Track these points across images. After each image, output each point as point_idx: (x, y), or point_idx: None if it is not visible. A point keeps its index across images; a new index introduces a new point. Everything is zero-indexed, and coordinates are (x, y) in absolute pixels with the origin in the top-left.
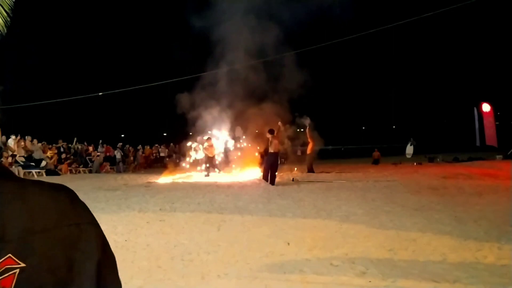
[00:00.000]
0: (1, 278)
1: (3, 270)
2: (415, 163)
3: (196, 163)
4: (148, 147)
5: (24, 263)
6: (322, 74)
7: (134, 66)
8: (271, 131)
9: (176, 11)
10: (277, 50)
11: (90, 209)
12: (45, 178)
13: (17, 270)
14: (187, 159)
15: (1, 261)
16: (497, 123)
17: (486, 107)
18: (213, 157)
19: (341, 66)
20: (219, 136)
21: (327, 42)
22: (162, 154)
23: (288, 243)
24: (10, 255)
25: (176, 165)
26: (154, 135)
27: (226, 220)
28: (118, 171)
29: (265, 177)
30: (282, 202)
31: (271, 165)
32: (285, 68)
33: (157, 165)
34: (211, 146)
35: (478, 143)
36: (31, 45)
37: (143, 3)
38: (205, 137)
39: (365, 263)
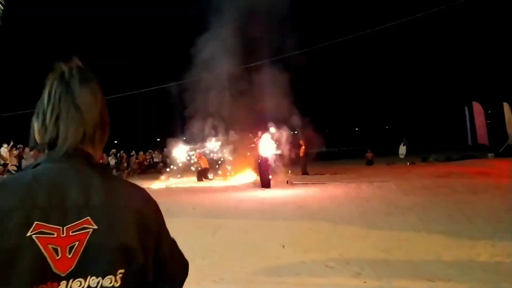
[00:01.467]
0: (80, 233)
1: (81, 228)
2: (408, 163)
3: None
4: (142, 153)
5: (96, 226)
6: (314, 77)
7: (126, 71)
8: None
9: (164, 15)
10: (269, 53)
11: None
12: None
13: (91, 230)
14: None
15: (82, 220)
16: (488, 121)
17: (477, 106)
18: (206, 168)
19: (333, 68)
20: (212, 143)
21: (320, 45)
22: (156, 160)
23: (283, 246)
24: (88, 217)
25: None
26: (147, 140)
27: (221, 225)
28: None
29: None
30: (276, 205)
31: (263, 168)
32: (278, 72)
33: (151, 170)
34: (201, 158)
35: (470, 142)
36: (21, 51)
37: (130, 9)
38: (197, 151)
39: (360, 264)
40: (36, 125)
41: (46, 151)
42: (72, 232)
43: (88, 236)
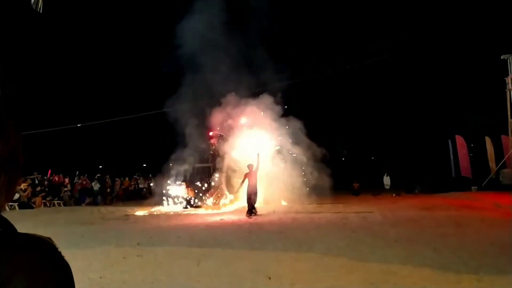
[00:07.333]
0: None
1: None
2: (393, 194)
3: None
4: (127, 179)
5: None
6: (298, 107)
7: (113, 97)
8: (250, 166)
9: (155, 41)
10: (253, 82)
11: (64, 245)
12: (18, 212)
13: None
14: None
15: None
16: (470, 155)
17: (459, 140)
18: (192, 198)
19: (318, 99)
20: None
21: (304, 77)
22: (141, 186)
23: (270, 278)
24: None
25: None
26: (133, 166)
27: (206, 254)
28: (96, 204)
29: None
30: (263, 234)
31: (249, 196)
32: (262, 102)
33: (136, 197)
34: (187, 187)
35: (453, 174)
36: (6, 73)
37: (121, 34)
38: (180, 182)
39: None
40: None
41: None
42: None
43: None
